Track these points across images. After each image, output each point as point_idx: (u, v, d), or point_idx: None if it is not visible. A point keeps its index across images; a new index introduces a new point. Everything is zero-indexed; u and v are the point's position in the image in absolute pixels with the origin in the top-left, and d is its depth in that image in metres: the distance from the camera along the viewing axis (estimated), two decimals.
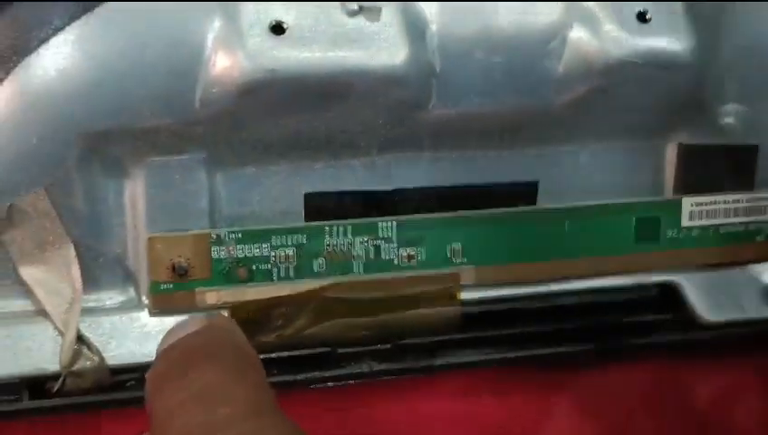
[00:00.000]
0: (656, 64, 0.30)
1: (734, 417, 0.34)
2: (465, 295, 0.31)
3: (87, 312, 0.29)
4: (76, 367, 0.28)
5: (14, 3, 0.27)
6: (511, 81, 0.29)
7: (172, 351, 0.24)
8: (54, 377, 0.28)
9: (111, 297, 0.29)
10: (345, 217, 0.30)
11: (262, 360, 0.29)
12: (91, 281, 0.29)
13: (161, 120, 0.27)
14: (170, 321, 0.29)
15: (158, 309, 0.29)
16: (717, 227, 0.33)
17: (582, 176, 0.32)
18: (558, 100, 0.30)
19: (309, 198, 0.30)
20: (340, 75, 0.28)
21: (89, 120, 0.27)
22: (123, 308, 0.29)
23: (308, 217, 0.30)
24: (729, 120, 0.32)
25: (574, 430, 0.33)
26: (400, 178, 0.30)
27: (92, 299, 0.29)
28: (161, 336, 0.28)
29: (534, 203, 0.32)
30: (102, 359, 0.29)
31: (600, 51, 0.29)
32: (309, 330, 0.30)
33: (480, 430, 0.32)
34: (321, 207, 0.30)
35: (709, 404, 0.34)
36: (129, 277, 0.29)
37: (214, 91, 0.27)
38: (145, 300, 0.29)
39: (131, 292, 0.29)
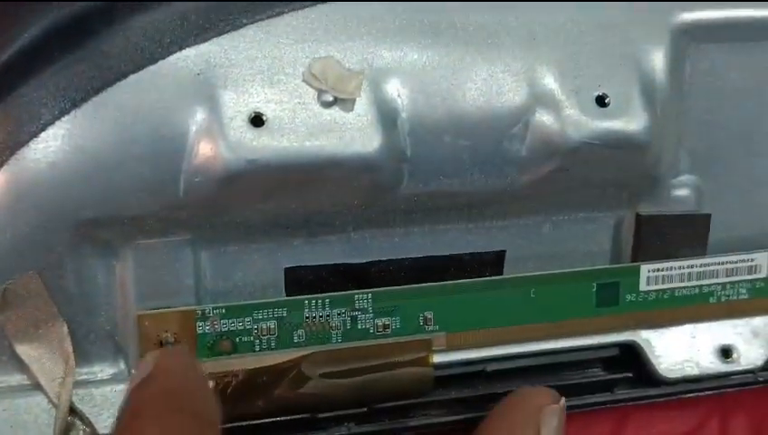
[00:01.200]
0: (614, 145, 0.31)
1: None
2: (436, 359, 0.32)
3: (79, 384, 0.30)
4: None
5: (7, 99, 0.29)
6: (477, 162, 0.30)
7: (124, 409, 0.26)
8: None
9: (102, 370, 0.30)
10: (324, 289, 0.31)
11: (247, 427, 0.31)
12: (83, 355, 0.30)
13: (148, 207, 0.29)
14: None
15: None
16: (673, 290, 0.34)
17: (546, 245, 0.33)
18: (522, 179, 0.31)
19: (289, 272, 0.31)
20: (317, 164, 0.29)
21: (79, 209, 0.28)
22: (114, 380, 0.30)
23: (288, 290, 0.31)
24: (683, 191, 0.34)
25: None
26: (375, 251, 0.32)
27: (84, 372, 0.30)
28: None
29: (501, 271, 0.33)
30: (94, 429, 0.30)
31: (562, 133, 0.31)
32: (289, 396, 0.31)
33: None
34: (300, 280, 0.31)
35: None
36: (119, 351, 0.30)
37: (197, 180, 0.28)
38: (134, 372, 0.30)
39: (122, 364, 0.30)
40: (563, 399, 0.29)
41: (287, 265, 0.31)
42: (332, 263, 0.31)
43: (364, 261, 0.32)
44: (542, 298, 0.33)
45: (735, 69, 0.34)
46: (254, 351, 0.31)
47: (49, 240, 0.28)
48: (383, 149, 0.29)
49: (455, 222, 0.32)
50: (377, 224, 0.31)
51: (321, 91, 0.29)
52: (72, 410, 0.30)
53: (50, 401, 0.29)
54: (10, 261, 0.28)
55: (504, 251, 0.33)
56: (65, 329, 0.30)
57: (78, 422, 0.30)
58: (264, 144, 0.28)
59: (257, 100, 0.29)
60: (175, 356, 0.28)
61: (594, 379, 0.34)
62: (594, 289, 0.33)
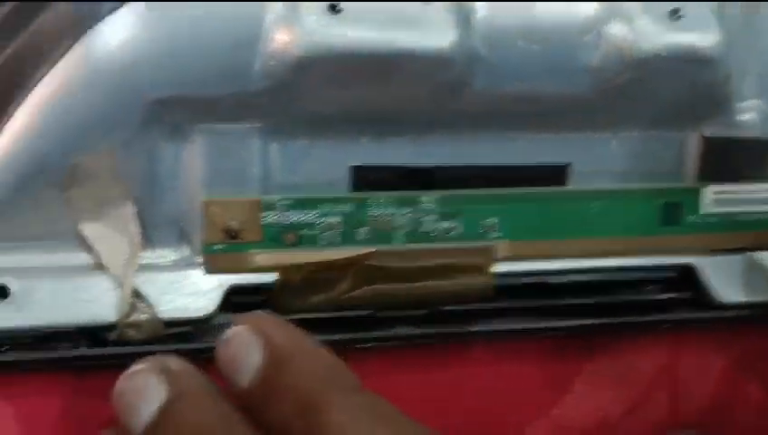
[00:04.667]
0: (684, 58, 0.29)
1: (747, 390, 0.35)
2: (498, 268, 0.31)
3: (143, 268, 0.28)
4: (132, 318, 0.28)
5: None
6: (549, 68, 0.29)
7: None
8: (111, 328, 0.28)
9: (166, 256, 0.29)
10: (387, 190, 0.30)
11: (306, 320, 0.30)
12: (148, 239, 0.29)
13: (221, 90, 0.27)
14: (222, 279, 0.29)
15: (212, 268, 0.29)
16: (735, 214, 0.32)
17: (611, 161, 0.31)
18: (592, 89, 0.29)
19: (355, 170, 0.30)
20: (391, 54, 0.27)
21: (152, 88, 0.27)
22: (177, 266, 0.29)
23: (353, 189, 0.30)
24: (749, 115, 0.32)
25: (595, 398, 0.33)
26: (441, 155, 0.30)
27: (148, 256, 0.29)
28: (213, 294, 0.29)
29: (565, 184, 0.31)
30: (156, 312, 0.28)
31: (634, 45, 0.29)
32: (351, 294, 0.30)
33: (506, 396, 0.32)
34: (365, 179, 0.30)
35: (721, 378, 0.34)
36: (183, 237, 0.29)
37: (271, 64, 0.27)
38: (198, 259, 0.29)
39: (185, 251, 0.29)
40: None
41: (353, 164, 0.30)
42: (398, 164, 0.30)
43: (430, 165, 0.30)
44: (606, 213, 0.31)
45: None
46: (318, 245, 0.29)
47: (121, 118, 0.27)
48: (457, 46, 0.28)
49: (522, 131, 0.30)
50: (445, 127, 0.30)
51: None
52: (135, 293, 0.28)
53: (113, 281, 0.28)
54: (81, 138, 0.27)
55: (570, 164, 0.31)
56: (132, 210, 0.28)
57: (140, 305, 0.28)
58: (341, 32, 0.27)
59: None
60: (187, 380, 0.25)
61: (650, 298, 0.32)
62: (657, 208, 0.31)
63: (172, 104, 0.27)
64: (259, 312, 0.27)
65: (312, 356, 0.25)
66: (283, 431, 0.24)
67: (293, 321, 0.28)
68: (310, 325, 0.30)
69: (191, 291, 0.29)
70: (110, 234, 0.28)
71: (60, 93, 0.27)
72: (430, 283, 0.30)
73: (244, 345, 0.25)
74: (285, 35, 0.27)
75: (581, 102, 0.30)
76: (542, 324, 0.31)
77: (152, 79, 0.27)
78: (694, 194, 0.32)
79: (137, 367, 0.25)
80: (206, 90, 0.27)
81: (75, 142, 0.27)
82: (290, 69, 0.27)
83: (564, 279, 0.31)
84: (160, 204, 0.29)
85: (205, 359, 0.29)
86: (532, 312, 0.31)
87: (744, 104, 0.32)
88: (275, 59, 0.27)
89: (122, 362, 0.28)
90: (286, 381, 0.24)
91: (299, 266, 0.29)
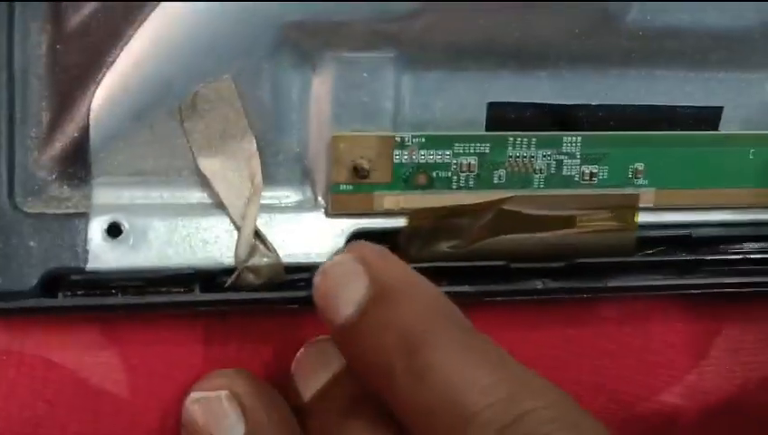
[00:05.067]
0: None
1: None
2: (642, 218, 0.28)
3: (263, 208, 0.26)
4: (251, 262, 0.26)
5: None
6: None
7: None
8: (229, 271, 0.26)
9: (288, 196, 0.27)
10: (527, 130, 0.27)
11: (436, 268, 0.27)
12: (270, 177, 0.26)
13: (356, 12, 0.25)
14: (346, 223, 0.27)
15: (336, 210, 0.26)
16: None
17: (767, 106, 0.29)
18: (756, 20, 0.27)
19: (492, 107, 0.27)
20: None
21: (285, 9, 0.24)
22: (299, 207, 0.27)
23: (489, 128, 0.27)
24: None
25: (733, 364, 0.30)
26: (586, 93, 0.27)
27: (269, 196, 0.26)
28: (337, 238, 0.27)
29: (717, 129, 0.29)
30: (278, 256, 0.26)
31: None
32: (484, 242, 0.27)
33: (645, 355, 0.29)
34: (503, 117, 0.27)
35: None
36: (306, 176, 0.27)
37: None
38: (321, 201, 0.27)
39: (308, 191, 0.27)
40: None
41: (491, 100, 0.27)
42: (539, 102, 0.27)
43: (573, 103, 0.27)
44: (760, 161, 0.28)
45: None
46: (452, 188, 0.27)
47: (250, 42, 0.25)
48: None
49: (674, 69, 0.28)
50: (592, 62, 0.27)
51: None
52: (256, 234, 0.26)
53: (232, 221, 0.26)
54: (207, 62, 0.25)
55: (722, 107, 0.28)
56: (254, 145, 0.26)
57: (261, 247, 0.26)
58: None
59: None
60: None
61: None
62: None
63: (303, 28, 0.25)
64: (363, 241, 0.25)
65: (419, 291, 0.23)
66: (381, 374, 0.22)
67: (420, 269, 0.26)
68: (438, 274, 0.27)
69: (314, 235, 0.26)
70: (230, 170, 0.26)
71: (182, 15, 0.24)
72: (569, 233, 0.28)
73: (346, 275, 0.23)
74: None
75: (743, 38, 0.27)
76: (683, 281, 0.29)
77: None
78: None
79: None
80: (340, 12, 0.25)
81: (199, 68, 0.25)
82: None
83: (713, 232, 0.29)
84: (285, 139, 0.26)
85: None
86: (677, 266, 0.29)
87: None
88: None
89: (239, 309, 0.27)
90: (389, 316, 0.22)
91: (430, 211, 0.27)
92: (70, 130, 0.25)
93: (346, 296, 0.23)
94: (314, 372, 0.25)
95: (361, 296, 0.23)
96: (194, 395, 0.25)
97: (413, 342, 0.22)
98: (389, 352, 0.22)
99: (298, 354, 0.26)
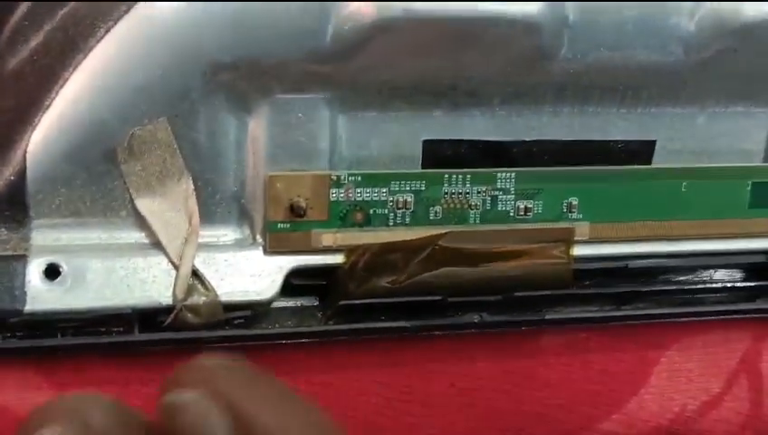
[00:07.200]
0: None
1: None
2: (577, 251, 0.28)
3: (201, 247, 0.26)
4: (190, 301, 0.26)
5: None
6: (642, 35, 0.26)
7: None
8: (167, 310, 0.26)
9: (226, 234, 0.27)
10: (462, 167, 0.27)
11: (373, 305, 0.27)
12: (207, 216, 0.26)
13: (290, 55, 0.25)
14: (284, 260, 0.27)
15: (274, 248, 0.26)
16: None
17: (699, 138, 0.29)
18: (686, 58, 0.27)
19: (427, 144, 0.27)
20: (476, 19, 0.25)
21: (216, 52, 0.24)
22: (237, 246, 0.26)
23: (425, 165, 0.27)
24: None
25: (673, 392, 0.30)
26: (519, 129, 0.28)
27: (207, 235, 0.26)
28: (275, 276, 0.27)
29: (650, 162, 0.29)
30: (216, 295, 0.26)
31: (735, 11, 0.27)
32: (421, 277, 0.27)
33: (579, 387, 0.29)
34: (438, 154, 0.27)
35: None
36: (244, 215, 0.27)
37: (346, 27, 0.24)
38: (259, 239, 0.27)
39: (246, 230, 0.27)
40: None
41: (426, 138, 0.27)
42: (474, 139, 0.28)
43: (508, 139, 0.28)
44: (693, 193, 0.29)
45: None
46: (388, 225, 0.27)
47: (182, 85, 0.25)
48: (546, 10, 0.25)
49: (606, 105, 0.28)
50: (525, 99, 0.27)
51: None
52: (194, 273, 0.26)
53: (170, 261, 0.26)
54: (140, 106, 0.25)
55: (655, 141, 0.29)
56: (191, 185, 0.26)
57: (199, 286, 0.26)
58: None
59: None
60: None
61: (738, 285, 0.30)
62: (748, 188, 0.29)
63: (237, 70, 0.25)
64: (205, 357, 0.20)
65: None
66: None
67: (358, 305, 0.27)
68: (376, 310, 0.28)
69: (252, 273, 0.26)
70: (167, 210, 0.26)
71: (117, 57, 0.24)
72: (506, 266, 0.28)
73: (202, 419, 0.18)
74: None
75: (672, 74, 0.27)
76: (621, 312, 0.29)
77: (215, 41, 0.24)
78: None
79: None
80: (274, 54, 0.25)
81: (133, 110, 0.25)
82: (366, 32, 0.24)
83: (648, 263, 0.29)
84: (222, 179, 0.26)
85: (263, 345, 0.28)
86: (613, 298, 0.29)
87: None
88: (351, 21, 0.24)
89: (178, 348, 0.27)
90: None
91: (367, 247, 0.27)
92: (7, 173, 0.25)
93: None
94: None
95: None
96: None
97: None
98: None
99: None
